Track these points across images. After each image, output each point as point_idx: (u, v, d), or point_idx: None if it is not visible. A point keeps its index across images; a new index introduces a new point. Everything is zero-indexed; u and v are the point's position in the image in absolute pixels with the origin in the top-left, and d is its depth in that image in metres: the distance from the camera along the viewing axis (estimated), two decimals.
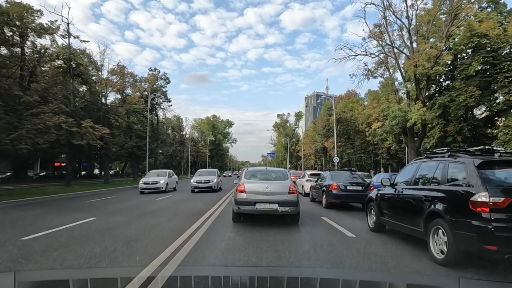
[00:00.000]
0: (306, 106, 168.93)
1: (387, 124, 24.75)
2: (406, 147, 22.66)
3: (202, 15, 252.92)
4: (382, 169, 48.43)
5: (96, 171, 65.42)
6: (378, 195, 7.32)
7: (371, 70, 28.16)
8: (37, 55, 22.01)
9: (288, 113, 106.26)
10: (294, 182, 11.67)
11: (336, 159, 36.68)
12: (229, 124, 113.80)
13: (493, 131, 32.01)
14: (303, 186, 18.11)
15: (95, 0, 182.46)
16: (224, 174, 45.07)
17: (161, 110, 47.49)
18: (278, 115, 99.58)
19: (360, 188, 11.96)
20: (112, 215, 9.95)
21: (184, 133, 71.53)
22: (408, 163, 25.83)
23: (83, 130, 23.86)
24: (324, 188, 12.56)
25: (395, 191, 6.45)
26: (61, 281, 2.09)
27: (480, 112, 32.29)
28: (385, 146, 45.34)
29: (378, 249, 5.79)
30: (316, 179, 15.45)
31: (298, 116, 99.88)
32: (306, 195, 16.86)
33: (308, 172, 20.17)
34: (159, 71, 45.03)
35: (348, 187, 11.90)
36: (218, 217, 9.35)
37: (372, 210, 7.46)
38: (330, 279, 2.26)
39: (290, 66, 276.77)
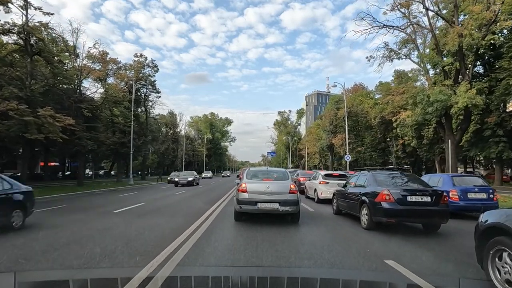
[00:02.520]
0: (306, 105, 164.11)
1: (418, 112, 19.91)
2: (449, 142, 17.72)
3: (202, 14, 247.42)
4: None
5: (87, 171, 60.05)
6: None
7: (394, 50, 23.56)
8: None
9: (290, 111, 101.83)
10: (295, 182, 10.11)
11: (347, 157, 31.84)
12: (228, 122, 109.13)
13: None
14: (315, 190, 14.34)
15: (95, 0, 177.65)
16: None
17: (150, 102, 42.48)
18: (279, 112, 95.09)
19: (428, 199, 7.22)
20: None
21: (178, 130, 66.61)
22: (448, 160, 21.27)
23: (40, 120, 19.07)
24: (364, 198, 7.89)
25: None
26: (61, 281, 2.17)
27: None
28: (401, 143, 40.39)
29: None
30: (340, 182, 11.34)
31: (300, 113, 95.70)
32: (321, 201, 13.39)
33: (322, 172, 15.63)
34: (146, 57, 39.97)
35: (408, 198, 7.16)
36: (218, 216, 9.10)
37: (508, 254, 3.48)
38: (330, 279, 2.37)
39: (290, 66, 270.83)
